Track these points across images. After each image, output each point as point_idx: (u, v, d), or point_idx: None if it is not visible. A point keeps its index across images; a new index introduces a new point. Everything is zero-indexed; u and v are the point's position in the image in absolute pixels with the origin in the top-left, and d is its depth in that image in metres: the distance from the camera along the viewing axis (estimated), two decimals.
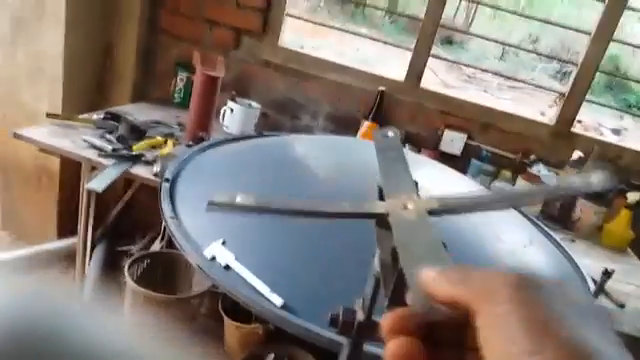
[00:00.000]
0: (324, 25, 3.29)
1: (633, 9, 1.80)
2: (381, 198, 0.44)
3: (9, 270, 1.83)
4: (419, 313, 0.26)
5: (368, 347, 0.54)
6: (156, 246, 1.80)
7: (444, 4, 1.82)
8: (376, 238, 0.46)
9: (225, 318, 1.56)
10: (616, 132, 5.06)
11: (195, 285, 1.60)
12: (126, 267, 1.45)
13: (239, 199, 0.43)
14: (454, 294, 0.24)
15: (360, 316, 0.50)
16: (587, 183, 0.37)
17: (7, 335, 0.15)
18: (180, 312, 1.45)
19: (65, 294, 0.18)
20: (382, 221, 0.42)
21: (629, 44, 1.95)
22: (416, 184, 0.45)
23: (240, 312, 1.56)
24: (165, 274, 1.62)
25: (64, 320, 0.16)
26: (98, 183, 1.23)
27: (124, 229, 1.95)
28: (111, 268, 1.71)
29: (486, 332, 0.23)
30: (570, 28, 1.97)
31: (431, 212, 0.40)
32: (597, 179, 0.38)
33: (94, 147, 1.37)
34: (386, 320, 0.26)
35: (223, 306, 1.57)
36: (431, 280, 0.25)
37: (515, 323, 0.22)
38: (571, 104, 1.85)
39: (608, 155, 1.85)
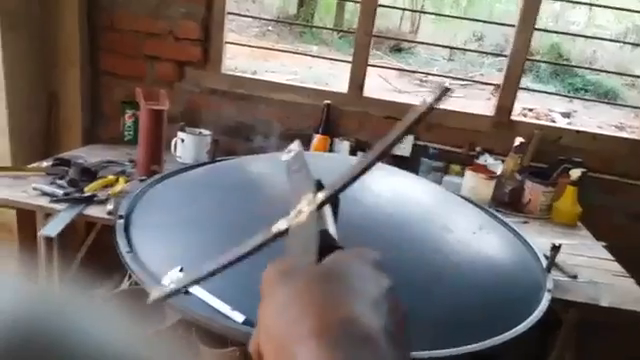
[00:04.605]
0: (268, 48, 3.36)
1: None
2: None
3: None
4: None
5: None
6: (124, 285, 1.79)
7: (373, 16, 1.90)
8: None
9: (200, 345, 1.56)
10: (566, 115, 5.28)
11: (169, 318, 1.60)
12: None
13: (172, 285, 0.46)
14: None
15: None
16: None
17: (11, 336, 0.15)
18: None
19: (68, 295, 0.18)
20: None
21: (551, 31, 2.07)
22: (319, 183, 0.46)
23: (217, 339, 1.56)
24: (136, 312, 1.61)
25: (67, 321, 0.16)
26: (52, 228, 1.24)
27: (91, 273, 1.92)
28: None
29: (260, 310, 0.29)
30: (493, 23, 2.08)
31: (321, 204, 0.42)
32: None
33: (45, 194, 1.37)
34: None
35: (198, 335, 1.57)
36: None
37: (280, 299, 0.28)
38: (507, 94, 1.94)
39: (549, 137, 1.94)
